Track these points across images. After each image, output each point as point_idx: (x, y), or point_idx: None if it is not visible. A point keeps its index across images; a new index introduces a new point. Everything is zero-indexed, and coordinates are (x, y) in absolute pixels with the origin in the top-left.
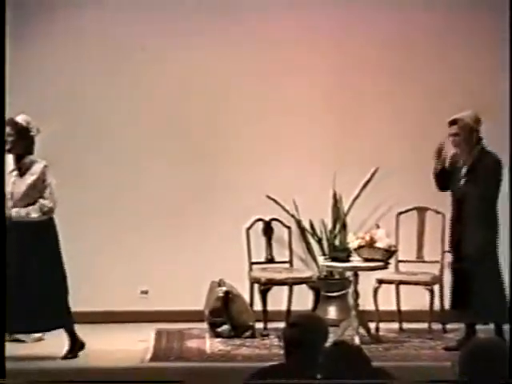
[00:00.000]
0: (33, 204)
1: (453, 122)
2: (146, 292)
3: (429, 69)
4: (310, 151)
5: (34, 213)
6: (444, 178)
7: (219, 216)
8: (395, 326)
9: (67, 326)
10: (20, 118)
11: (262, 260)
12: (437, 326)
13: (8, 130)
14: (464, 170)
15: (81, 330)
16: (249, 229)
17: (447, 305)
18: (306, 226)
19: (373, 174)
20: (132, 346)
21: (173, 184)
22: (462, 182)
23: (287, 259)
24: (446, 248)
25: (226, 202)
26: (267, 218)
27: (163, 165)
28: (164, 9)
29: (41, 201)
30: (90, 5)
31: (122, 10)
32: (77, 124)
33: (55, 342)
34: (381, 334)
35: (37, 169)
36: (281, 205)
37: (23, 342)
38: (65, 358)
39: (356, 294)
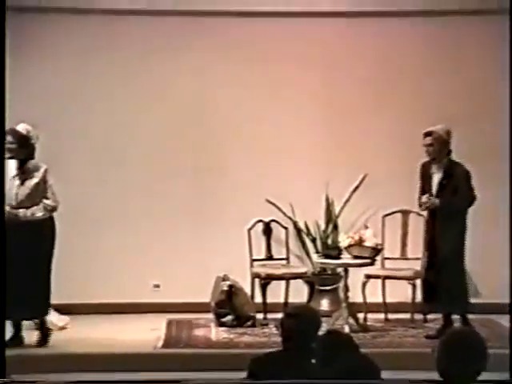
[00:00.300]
0: (37, 204)
1: (427, 134)
2: (158, 286)
3: (413, 86)
4: (306, 161)
5: (38, 212)
6: None
7: (224, 218)
8: (381, 316)
9: (44, 316)
10: (20, 127)
11: (262, 257)
12: (418, 316)
13: (9, 138)
14: (436, 179)
15: (99, 320)
16: (250, 229)
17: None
18: (302, 226)
19: (361, 181)
20: (145, 334)
21: (183, 189)
22: (435, 189)
23: (285, 256)
24: None
25: (231, 205)
26: (267, 220)
27: (176, 172)
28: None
29: (44, 201)
30: (100, 17)
31: (132, 26)
32: (98, 132)
33: (75, 331)
34: (368, 323)
35: (39, 172)
36: (279, 208)
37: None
38: (38, 345)
39: (346, 288)
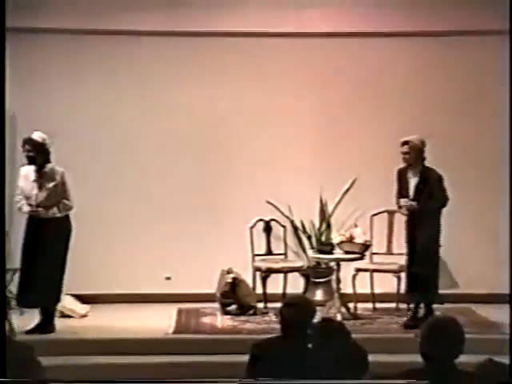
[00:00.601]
0: (56, 204)
1: (404, 143)
2: (169, 278)
3: (397, 102)
4: (302, 167)
5: (57, 212)
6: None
7: (229, 217)
8: (369, 305)
9: (55, 305)
10: (36, 136)
11: (263, 252)
12: (403, 306)
13: (27, 146)
14: (413, 183)
15: (116, 308)
16: (252, 227)
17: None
18: (298, 225)
19: (351, 184)
20: (158, 321)
21: (194, 192)
22: (411, 192)
23: (283, 252)
24: None
25: (235, 206)
26: (267, 219)
27: (187, 177)
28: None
29: (63, 201)
30: (120, 37)
31: (149, 46)
32: (112, 139)
33: (95, 319)
34: (358, 312)
35: (56, 175)
36: (278, 208)
37: (72, 317)
38: (31, 332)
39: (338, 280)
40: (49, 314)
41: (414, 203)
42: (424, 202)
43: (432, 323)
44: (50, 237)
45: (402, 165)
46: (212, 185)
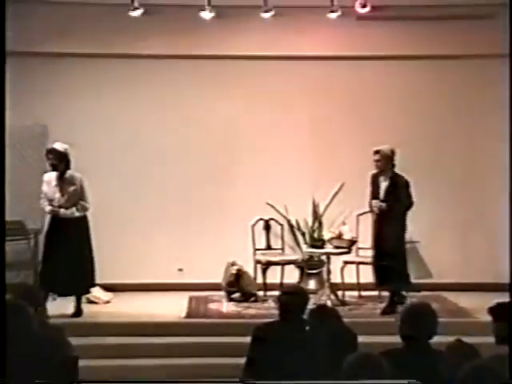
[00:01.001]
0: (75, 205)
1: (376, 152)
2: (181, 269)
3: (381, 118)
4: (297, 173)
5: (76, 212)
6: None
7: (233, 217)
8: (355, 293)
9: (84, 294)
10: (58, 146)
11: (263, 247)
12: (384, 294)
13: (50, 155)
14: (383, 187)
15: (135, 296)
16: (253, 225)
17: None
18: (294, 223)
19: (340, 188)
20: (172, 307)
21: (203, 196)
22: (382, 195)
23: (280, 247)
24: None
25: (238, 207)
26: (266, 218)
27: (198, 181)
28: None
29: (81, 203)
30: (144, 60)
31: (169, 68)
32: (129, 147)
33: (117, 305)
34: (346, 298)
35: (76, 180)
36: (276, 209)
37: (96, 303)
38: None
39: (328, 271)
40: (77, 301)
41: (383, 204)
42: (392, 204)
43: (410, 309)
44: (69, 233)
45: (375, 171)
46: (219, 189)
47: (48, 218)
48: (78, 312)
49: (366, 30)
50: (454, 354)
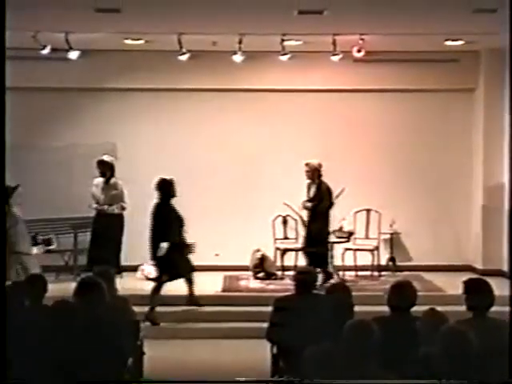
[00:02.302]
0: (114, 204)
1: (306, 164)
2: (217, 254)
3: (374, 138)
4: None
5: (117, 209)
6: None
7: (258, 213)
8: (353, 273)
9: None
10: (106, 158)
11: (281, 237)
12: (375, 274)
13: (101, 166)
14: (312, 193)
15: None
16: (273, 220)
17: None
18: (305, 219)
19: (341, 191)
20: (210, 284)
21: (235, 197)
22: (312, 197)
23: (295, 237)
24: (382, 230)
25: (262, 206)
26: (284, 214)
27: (232, 186)
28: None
29: (121, 203)
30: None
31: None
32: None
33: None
34: (345, 277)
35: (118, 186)
36: (291, 207)
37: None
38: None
39: (332, 256)
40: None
41: (309, 204)
42: (317, 204)
43: (396, 285)
44: (109, 226)
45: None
46: (247, 192)
47: (94, 213)
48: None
49: (361, 70)
50: (429, 320)
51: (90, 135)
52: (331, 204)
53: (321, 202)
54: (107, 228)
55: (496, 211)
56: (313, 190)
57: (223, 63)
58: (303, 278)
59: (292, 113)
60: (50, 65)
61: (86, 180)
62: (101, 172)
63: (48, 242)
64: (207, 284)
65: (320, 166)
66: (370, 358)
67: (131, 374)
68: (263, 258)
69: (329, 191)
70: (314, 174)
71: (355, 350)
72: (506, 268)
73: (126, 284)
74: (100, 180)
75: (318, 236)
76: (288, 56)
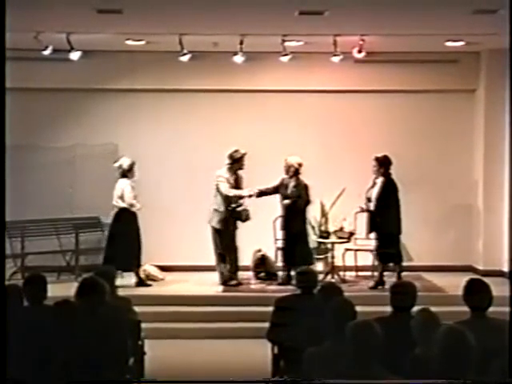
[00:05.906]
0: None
1: (284, 160)
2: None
3: (370, 138)
4: (308, 180)
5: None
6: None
7: (260, 214)
8: (353, 273)
9: (136, 269)
10: (124, 161)
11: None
12: (375, 273)
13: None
14: (290, 189)
15: (185, 275)
16: (274, 221)
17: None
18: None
19: (341, 192)
20: (211, 283)
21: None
22: (289, 193)
23: None
24: None
25: (263, 207)
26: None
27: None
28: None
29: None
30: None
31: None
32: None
33: (168, 281)
34: (346, 277)
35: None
36: None
37: (154, 280)
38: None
39: (332, 256)
40: (138, 277)
41: (288, 201)
42: (294, 201)
43: (398, 285)
44: (126, 223)
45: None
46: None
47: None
48: (140, 282)
49: (362, 70)
50: (419, 318)
51: (92, 136)
52: (308, 201)
53: (301, 197)
54: (126, 226)
55: (496, 211)
56: (291, 186)
57: (224, 64)
58: (303, 279)
59: (293, 113)
60: (52, 65)
61: (87, 180)
62: (120, 173)
63: None
64: (208, 283)
65: (300, 165)
66: (374, 358)
67: (132, 374)
68: (264, 259)
69: (306, 188)
70: (292, 171)
71: (359, 351)
72: (506, 268)
73: (127, 284)
74: (123, 181)
75: (300, 232)
76: (289, 57)
